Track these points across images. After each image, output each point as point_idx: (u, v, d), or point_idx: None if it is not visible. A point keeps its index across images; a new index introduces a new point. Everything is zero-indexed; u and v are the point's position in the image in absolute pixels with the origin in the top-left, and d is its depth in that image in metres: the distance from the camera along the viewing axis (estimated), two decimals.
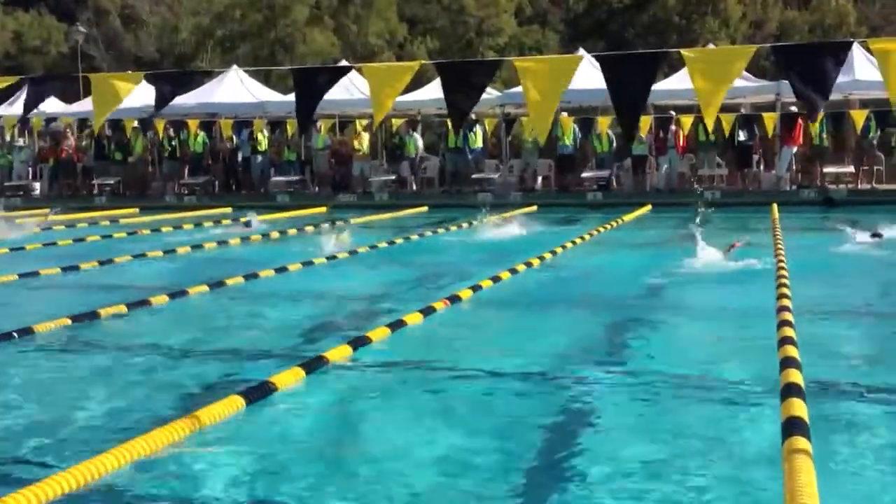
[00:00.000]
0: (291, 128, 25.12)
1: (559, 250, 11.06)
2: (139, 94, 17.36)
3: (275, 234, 14.35)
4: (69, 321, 6.86)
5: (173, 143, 23.62)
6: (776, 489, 3.26)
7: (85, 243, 13.32)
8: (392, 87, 9.97)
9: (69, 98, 24.46)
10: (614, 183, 21.84)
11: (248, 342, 6.53)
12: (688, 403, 4.77)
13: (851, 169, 21.01)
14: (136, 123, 23.53)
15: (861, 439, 4.13)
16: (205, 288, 8.47)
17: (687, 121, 21.07)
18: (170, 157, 23.74)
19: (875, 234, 11.98)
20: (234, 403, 4.50)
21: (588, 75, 17.54)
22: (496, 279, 8.65)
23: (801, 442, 3.42)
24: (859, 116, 20.40)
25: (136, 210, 20.32)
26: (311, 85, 10.59)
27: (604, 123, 21.72)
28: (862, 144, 20.65)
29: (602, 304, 8.02)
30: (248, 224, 15.43)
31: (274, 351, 6.18)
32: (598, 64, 11.28)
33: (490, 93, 20.33)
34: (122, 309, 7.42)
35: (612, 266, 10.60)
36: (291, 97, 24.65)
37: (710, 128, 19.37)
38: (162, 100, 11.51)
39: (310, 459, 4.00)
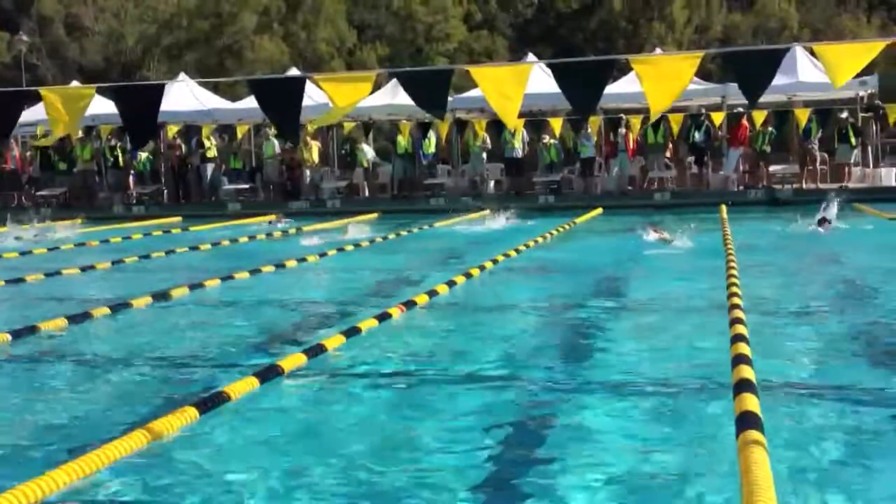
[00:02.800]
0: (241, 133, 24.93)
1: (513, 253, 11.10)
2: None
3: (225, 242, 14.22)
4: (9, 336, 6.70)
5: (115, 153, 23.30)
6: (734, 483, 3.30)
7: (31, 256, 13.08)
8: (354, 97, 9.84)
9: None
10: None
11: (201, 352, 6.45)
12: (643, 400, 4.80)
13: (796, 169, 21.41)
14: (80, 133, 23.16)
15: (811, 432, 4.19)
16: (148, 299, 8.33)
17: (637, 123, 21.29)
18: (114, 166, 23.44)
19: (822, 221, 12.60)
20: (187, 414, 4.43)
21: (538, 80, 17.65)
22: (451, 283, 8.65)
23: (755, 435, 3.46)
24: (803, 115, 20.77)
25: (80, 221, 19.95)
26: (275, 98, 10.36)
27: (556, 125, 21.86)
28: (805, 146, 21.07)
29: (555, 306, 8.06)
30: (278, 220, 17.66)
31: (227, 360, 6.12)
32: (548, 70, 11.42)
33: None
34: (63, 322, 7.26)
35: (565, 267, 10.66)
36: (240, 104, 24.54)
37: (653, 116, 19.34)
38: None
39: (265, 468, 3.95)
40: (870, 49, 8.24)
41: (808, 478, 3.64)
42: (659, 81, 8.61)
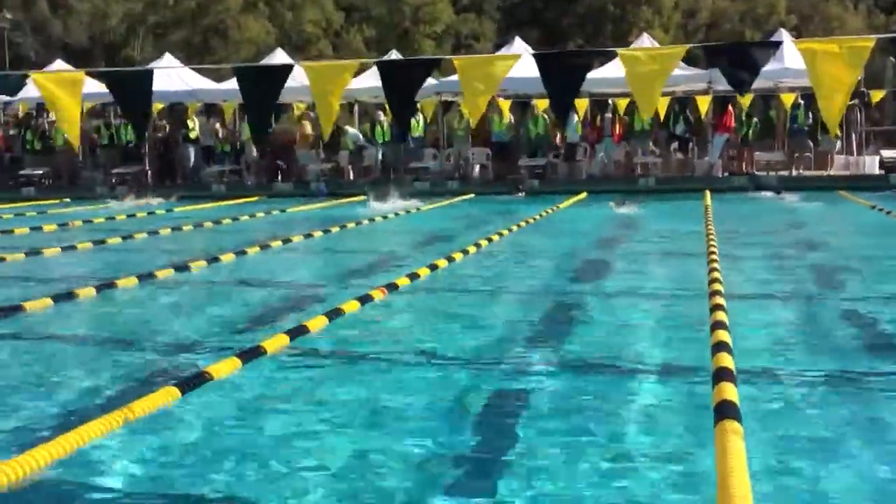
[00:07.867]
0: (227, 114, 24.80)
1: (496, 237, 11.11)
2: None
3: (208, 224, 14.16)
4: None
5: (110, 130, 23.17)
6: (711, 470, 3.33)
7: (11, 235, 13.00)
8: (334, 85, 9.80)
9: None
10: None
11: (183, 333, 6.44)
12: (624, 387, 4.83)
13: (782, 156, 21.48)
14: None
15: (789, 422, 4.23)
16: (134, 280, 8.31)
17: (623, 107, 21.31)
18: (103, 146, 23.31)
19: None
20: (168, 394, 4.43)
21: (525, 65, 17.59)
22: (433, 267, 8.66)
23: (732, 425, 3.49)
24: (789, 100, 20.80)
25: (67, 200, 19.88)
26: (258, 86, 10.39)
27: (541, 105, 21.84)
28: (790, 132, 21.14)
29: (537, 290, 8.08)
30: (319, 191, 19.75)
31: (209, 341, 6.11)
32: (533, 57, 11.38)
33: (427, 80, 20.32)
34: (49, 302, 7.24)
35: (548, 252, 10.69)
36: (224, 85, 24.41)
37: (647, 119, 19.51)
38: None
39: (245, 450, 3.96)
40: (855, 70, 7.97)
41: (786, 466, 3.67)
42: (645, 81, 8.63)
